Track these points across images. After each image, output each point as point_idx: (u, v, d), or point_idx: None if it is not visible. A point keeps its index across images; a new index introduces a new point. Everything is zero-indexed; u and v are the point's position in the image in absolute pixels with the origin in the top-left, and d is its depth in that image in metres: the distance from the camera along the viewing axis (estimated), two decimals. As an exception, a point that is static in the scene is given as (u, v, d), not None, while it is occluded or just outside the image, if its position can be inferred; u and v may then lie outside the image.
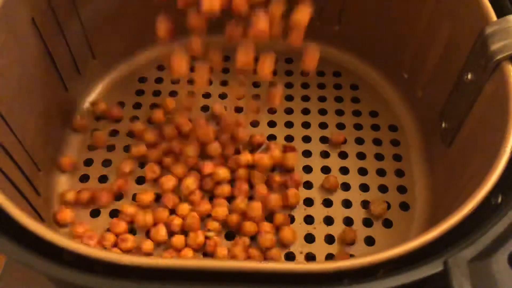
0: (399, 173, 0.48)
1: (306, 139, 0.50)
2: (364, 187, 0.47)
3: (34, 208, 0.40)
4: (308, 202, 0.46)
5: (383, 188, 0.47)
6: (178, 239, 0.42)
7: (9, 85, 0.39)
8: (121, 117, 0.51)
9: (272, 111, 0.51)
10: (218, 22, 0.39)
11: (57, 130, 0.48)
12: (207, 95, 0.52)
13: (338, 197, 0.46)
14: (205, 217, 0.44)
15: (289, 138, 0.50)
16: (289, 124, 0.51)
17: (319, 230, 0.44)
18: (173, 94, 0.53)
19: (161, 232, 0.42)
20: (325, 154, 0.49)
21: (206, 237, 0.42)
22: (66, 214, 0.43)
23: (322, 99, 0.53)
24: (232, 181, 0.45)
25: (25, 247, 0.27)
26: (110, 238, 0.42)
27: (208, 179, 0.45)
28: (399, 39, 0.49)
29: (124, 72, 0.54)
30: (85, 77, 0.51)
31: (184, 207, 0.43)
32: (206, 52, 0.44)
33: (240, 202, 0.43)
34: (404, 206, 0.46)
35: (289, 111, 0.52)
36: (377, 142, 0.50)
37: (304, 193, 0.46)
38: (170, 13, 0.53)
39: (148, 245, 0.42)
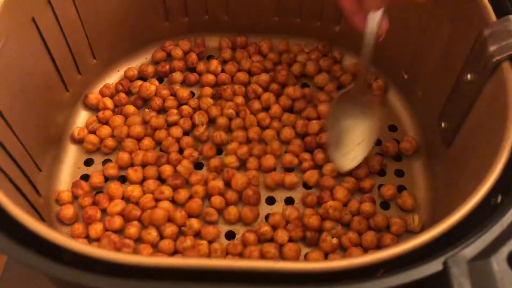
0: (399, 173, 0.48)
1: (306, 139, 0.50)
2: (364, 187, 0.47)
3: (35, 208, 0.40)
4: (308, 202, 0.46)
5: (383, 188, 0.47)
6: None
7: (9, 85, 0.39)
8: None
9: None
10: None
11: (57, 130, 0.48)
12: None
13: (338, 197, 0.46)
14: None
15: (289, 138, 0.50)
16: (289, 124, 0.51)
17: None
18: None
19: (152, 233, 0.42)
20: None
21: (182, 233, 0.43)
22: (69, 212, 0.43)
23: (322, 99, 0.53)
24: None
25: (25, 246, 0.27)
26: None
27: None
28: (399, 40, 0.49)
29: (123, 72, 0.54)
30: (85, 77, 0.51)
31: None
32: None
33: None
34: (404, 206, 0.46)
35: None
36: (377, 142, 0.50)
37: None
38: (170, 14, 0.54)
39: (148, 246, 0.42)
